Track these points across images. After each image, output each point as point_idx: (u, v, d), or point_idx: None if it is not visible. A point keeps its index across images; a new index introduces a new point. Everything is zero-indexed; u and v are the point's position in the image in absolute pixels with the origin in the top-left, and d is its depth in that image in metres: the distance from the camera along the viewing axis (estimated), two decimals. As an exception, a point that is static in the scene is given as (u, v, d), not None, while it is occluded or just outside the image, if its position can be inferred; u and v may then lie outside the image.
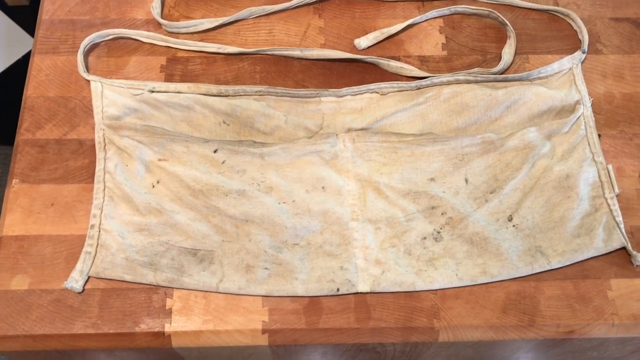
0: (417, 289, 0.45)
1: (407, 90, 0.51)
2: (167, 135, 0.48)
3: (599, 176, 0.48)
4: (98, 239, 0.45)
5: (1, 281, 0.44)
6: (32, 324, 0.43)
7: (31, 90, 0.51)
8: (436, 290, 0.45)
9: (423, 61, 0.53)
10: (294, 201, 0.47)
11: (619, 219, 0.47)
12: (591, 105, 0.51)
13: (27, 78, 0.52)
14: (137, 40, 0.53)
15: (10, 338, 0.43)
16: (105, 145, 0.48)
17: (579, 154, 0.49)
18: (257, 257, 0.45)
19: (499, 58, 0.53)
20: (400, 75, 0.53)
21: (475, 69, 0.52)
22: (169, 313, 0.44)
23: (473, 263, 0.45)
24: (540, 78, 0.52)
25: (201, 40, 0.54)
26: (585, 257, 0.46)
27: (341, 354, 0.51)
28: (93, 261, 0.45)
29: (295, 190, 0.47)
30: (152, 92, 0.50)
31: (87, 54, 0.53)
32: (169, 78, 0.52)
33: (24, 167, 0.48)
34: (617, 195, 0.48)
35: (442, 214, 0.47)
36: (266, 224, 0.46)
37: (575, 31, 0.55)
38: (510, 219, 0.47)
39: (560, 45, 0.54)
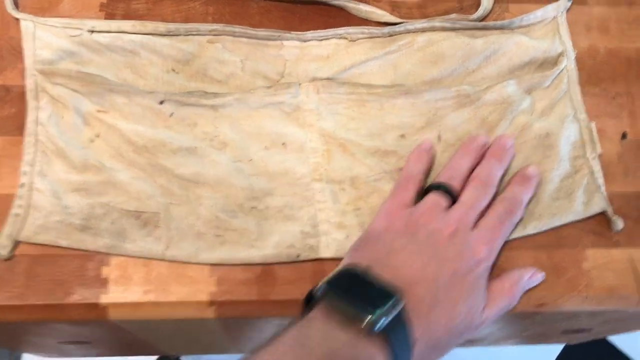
0: (384, 256, 0.41)
1: (379, 37, 0.47)
2: (106, 85, 0.43)
3: (581, 135, 0.45)
4: (29, 199, 0.40)
5: None
6: (-51, 295, 0.38)
7: (-51, 29, 0.45)
8: (404, 257, 0.41)
9: (394, 7, 0.48)
10: (250, 160, 0.42)
11: (601, 181, 0.44)
12: (575, 58, 0.47)
13: (-56, 14, 0.45)
14: (74, -27, 0.47)
15: None
16: (37, 93, 0.43)
17: (560, 111, 0.45)
18: (208, 223, 0.41)
19: (476, 5, 0.48)
20: (370, 20, 0.48)
21: (453, 15, 0.47)
22: (105, 282, 0.39)
23: (444, 228, 0.42)
24: (522, 27, 0.48)
25: (147, -25, 0.48)
26: (564, 222, 0.43)
27: (300, 324, 0.47)
28: (23, 224, 0.40)
29: (253, 146, 0.43)
30: (92, 32, 0.45)
31: (15, -12, 0.46)
32: (109, 18, 0.46)
33: (-60, 117, 0.42)
34: (599, 156, 0.44)
35: (411, 175, 0.43)
36: (219, 186, 0.41)
37: (561, -23, 0.50)
38: (484, 181, 0.43)
39: (544, -8, 0.50)
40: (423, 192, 0.41)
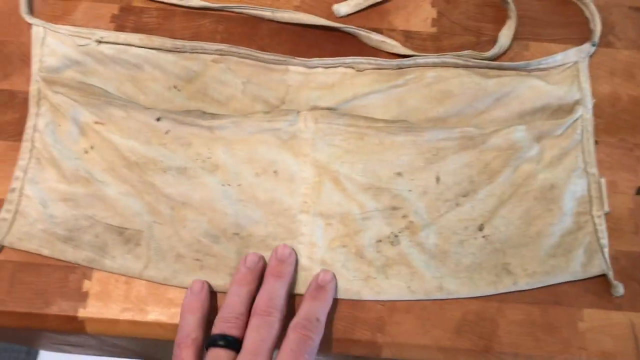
0: (363, 298, 0.40)
1: (387, 69, 0.45)
2: (105, 97, 0.43)
3: (589, 190, 0.42)
4: (17, 205, 0.41)
5: None
6: None
7: (-35, 30, 0.46)
8: (385, 301, 0.40)
9: (408, 37, 0.47)
10: (239, 185, 0.42)
11: (604, 241, 0.41)
12: (592, 107, 0.45)
13: (-38, 15, 0.46)
14: (90, -18, 0.47)
15: None
16: (39, 100, 0.43)
17: (569, 162, 0.43)
18: (189, 246, 0.40)
19: (494, 42, 0.46)
20: (381, 50, 0.46)
21: (466, 52, 0.46)
22: (85, 296, 0.40)
23: (431, 275, 0.40)
24: (539, 69, 0.46)
25: (162, -11, 0.48)
26: (558, 281, 0.41)
27: None
28: (9, 229, 0.40)
29: (244, 172, 0.42)
30: (100, 42, 0.45)
31: (32, -6, 0.47)
32: (119, 30, 0.46)
33: (-53, 116, 0.43)
34: (605, 214, 0.42)
35: (403, 216, 0.41)
36: (205, 209, 0.41)
37: (587, 19, 0.48)
38: (480, 229, 0.41)
39: (567, 33, 0.47)
40: (207, 345, 0.37)
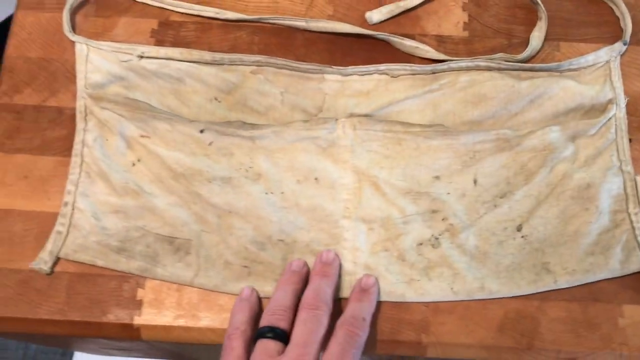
0: (407, 300, 0.41)
1: (421, 74, 0.46)
2: (150, 111, 0.44)
3: (625, 188, 0.43)
4: (71, 218, 0.42)
5: (-32, 256, 0.42)
6: (-5, 305, 0.41)
7: (12, 50, 0.47)
8: (428, 302, 0.41)
9: (440, 41, 0.48)
10: (282, 193, 0.43)
11: (642, 238, 0.42)
12: (625, 105, 0.45)
13: (9, 35, 0.48)
14: (129, -2, 0.49)
15: (-26, 318, 0.41)
16: (86, 116, 0.45)
17: (604, 161, 0.44)
18: (237, 254, 0.42)
19: (525, 43, 0.47)
20: (414, 56, 0.47)
21: (499, 55, 0.46)
22: (139, 304, 0.41)
23: (473, 276, 0.41)
24: (571, 70, 0.46)
25: (198, 3, 0.49)
26: (597, 279, 0.41)
27: None
28: (64, 242, 0.42)
29: (286, 180, 0.43)
30: (142, 57, 0.46)
31: (74, 12, 0.49)
32: (159, 44, 0.48)
33: (-1, 134, 0.45)
34: (642, 212, 0.43)
35: (442, 219, 0.42)
36: (250, 217, 0.42)
37: (618, 17, 0.48)
38: (519, 229, 0.42)
39: (598, 32, 0.48)
40: (255, 338, 0.38)
